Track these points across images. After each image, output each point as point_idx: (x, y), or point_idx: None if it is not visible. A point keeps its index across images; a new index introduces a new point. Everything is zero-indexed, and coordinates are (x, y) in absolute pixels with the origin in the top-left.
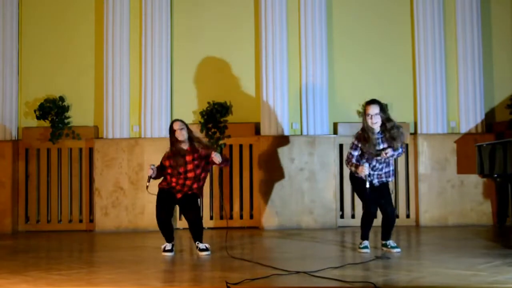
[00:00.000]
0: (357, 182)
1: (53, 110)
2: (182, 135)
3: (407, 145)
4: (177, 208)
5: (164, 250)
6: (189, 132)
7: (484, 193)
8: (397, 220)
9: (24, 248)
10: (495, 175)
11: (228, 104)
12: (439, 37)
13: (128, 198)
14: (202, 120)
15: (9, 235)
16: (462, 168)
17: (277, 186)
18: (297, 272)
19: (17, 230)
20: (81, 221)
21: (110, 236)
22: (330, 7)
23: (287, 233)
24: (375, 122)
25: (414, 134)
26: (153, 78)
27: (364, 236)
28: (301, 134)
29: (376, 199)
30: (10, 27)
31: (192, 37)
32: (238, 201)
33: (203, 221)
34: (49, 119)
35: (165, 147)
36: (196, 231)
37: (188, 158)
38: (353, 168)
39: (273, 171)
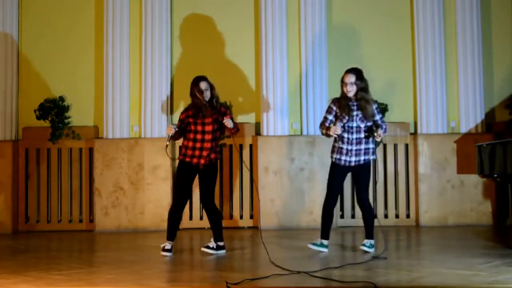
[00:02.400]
0: (332, 166)
1: (53, 110)
2: (207, 96)
3: (406, 145)
4: None
5: (164, 250)
6: (212, 89)
7: (484, 193)
8: (397, 220)
9: (24, 248)
10: (495, 175)
11: (228, 104)
12: (439, 37)
13: (128, 198)
14: None
15: (9, 235)
16: (462, 168)
17: (277, 186)
18: (297, 272)
19: (17, 230)
20: (81, 221)
21: (110, 236)
22: (330, 8)
23: (287, 233)
24: (350, 91)
25: (414, 134)
26: (153, 78)
27: (325, 235)
28: (301, 134)
29: (341, 188)
30: (10, 27)
31: (192, 37)
32: (238, 201)
33: (203, 221)
34: (49, 119)
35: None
36: (215, 225)
37: (208, 112)
38: (324, 131)
39: (273, 171)
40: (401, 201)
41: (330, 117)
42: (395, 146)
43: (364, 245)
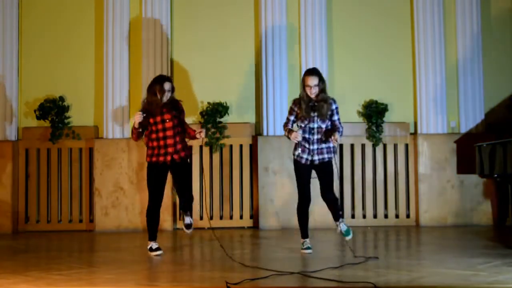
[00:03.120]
0: (296, 164)
1: (53, 110)
2: (166, 97)
3: (406, 145)
4: (175, 210)
5: (153, 250)
6: (173, 92)
7: (484, 193)
8: (397, 220)
9: (24, 248)
10: (495, 175)
11: (228, 104)
12: (439, 37)
13: (128, 198)
14: (202, 120)
15: (9, 235)
16: (462, 168)
17: (277, 186)
18: (297, 272)
19: (17, 230)
20: (81, 221)
21: (110, 236)
22: (330, 8)
23: (287, 233)
24: (313, 93)
25: (414, 134)
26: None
27: (305, 234)
28: None
29: (319, 181)
30: (10, 27)
31: (192, 37)
32: (238, 201)
33: (203, 221)
34: (49, 119)
35: None
36: (186, 199)
37: (165, 109)
38: (286, 133)
39: (273, 171)
40: (401, 201)
41: (292, 117)
42: (395, 146)
43: (343, 232)
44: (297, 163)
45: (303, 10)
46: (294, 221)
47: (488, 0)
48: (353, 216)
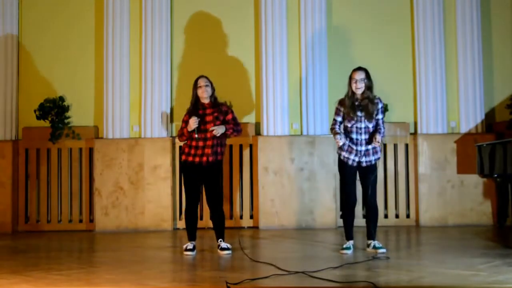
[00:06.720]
0: (341, 164)
1: (53, 110)
2: (206, 91)
3: (407, 145)
4: (175, 210)
5: (186, 250)
6: (213, 90)
7: (484, 193)
8: (397, 220)
9: (24, 248)
10: (495, 175)
11: (228, 104)
12: (439, 37)
13: (128, 198)
14: None
15: (9, 235)
16: (462, 168)
17: (277, 186)
18: (297, 272)
19: (17, 230)
20: (81, 221)
21: (110, 236)
22: (330, 8)
23: (287, 233)
24: (359, 87)
25: (414, 134)
26: (153, 78)
27: (349, 236)
28: (301, 134)
29: (360, 183)
30: (10, 27)
31: (192, 37)
32: (238, 201)
33: (203, 221)
34: (49, 119)
35: (165, 147)
36: (219, 225)
37: (208, 110)
38: (333, 136)
39: (273, 171)
40: (401, 201)
41: (339, 118)
42: (395, 146)
43: (376, 247)
44: (342, 163)
45: (303, 11)
46: (294, 221)
47: (488, 0)
48: None
